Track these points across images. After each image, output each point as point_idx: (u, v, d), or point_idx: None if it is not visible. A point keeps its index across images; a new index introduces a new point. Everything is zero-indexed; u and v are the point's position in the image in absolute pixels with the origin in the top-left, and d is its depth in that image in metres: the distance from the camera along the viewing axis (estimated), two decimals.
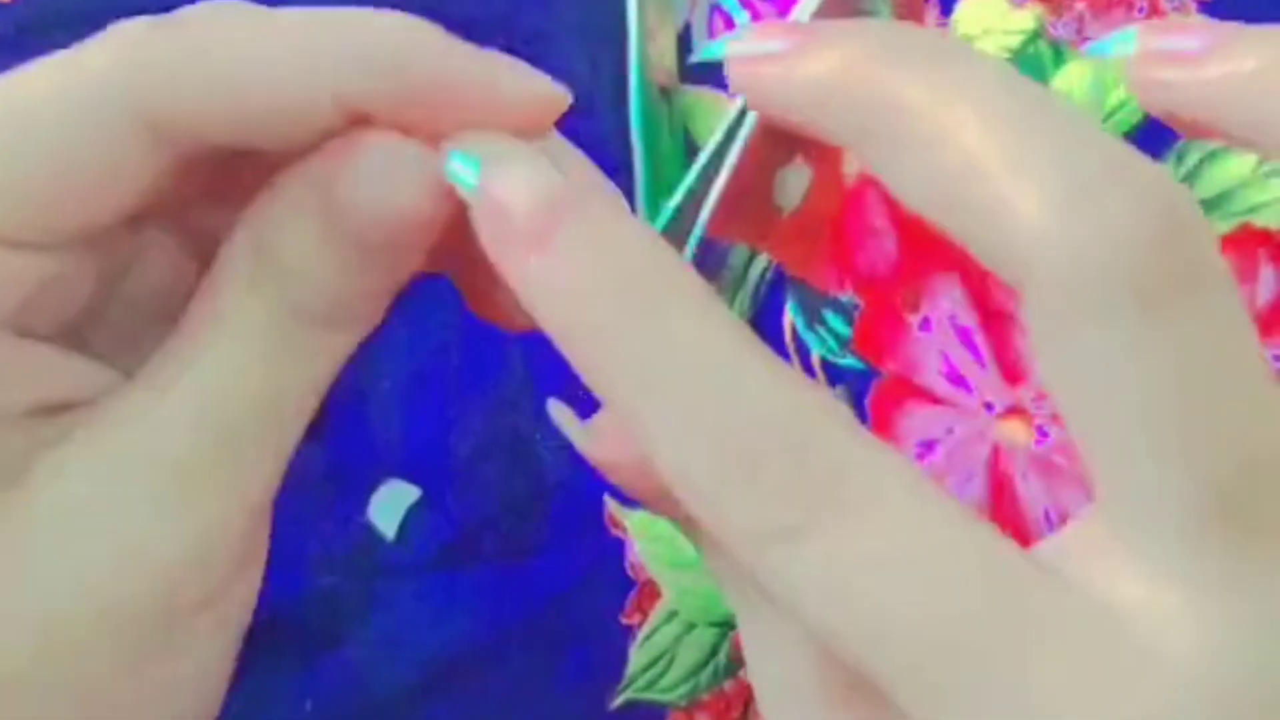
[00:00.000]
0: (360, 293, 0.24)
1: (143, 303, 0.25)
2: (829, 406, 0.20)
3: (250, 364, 0.23)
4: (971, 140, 0.20)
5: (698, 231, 0.28)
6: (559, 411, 0.23)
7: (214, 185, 0.24)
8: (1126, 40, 0.25)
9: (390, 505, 0.32)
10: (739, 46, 0.22)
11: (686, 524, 0.23)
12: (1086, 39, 0.36)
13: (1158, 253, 0.19)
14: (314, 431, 0.31)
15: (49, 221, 0.23)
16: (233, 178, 0.24)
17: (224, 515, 0.23)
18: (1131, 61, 0.24)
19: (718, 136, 0.27)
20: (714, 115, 0.36)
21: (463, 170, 0.22)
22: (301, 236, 0.23)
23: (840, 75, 0.21)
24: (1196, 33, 0.24)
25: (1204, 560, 0.19)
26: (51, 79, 0.22)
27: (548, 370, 0.26)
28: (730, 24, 0.33)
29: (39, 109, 0.22)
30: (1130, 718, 0.19)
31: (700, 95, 0.36)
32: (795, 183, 0.29)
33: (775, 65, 0.22)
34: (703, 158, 0.28)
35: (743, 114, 0.27)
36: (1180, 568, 0.20)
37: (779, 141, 0.27)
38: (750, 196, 0.27)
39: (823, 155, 0.30)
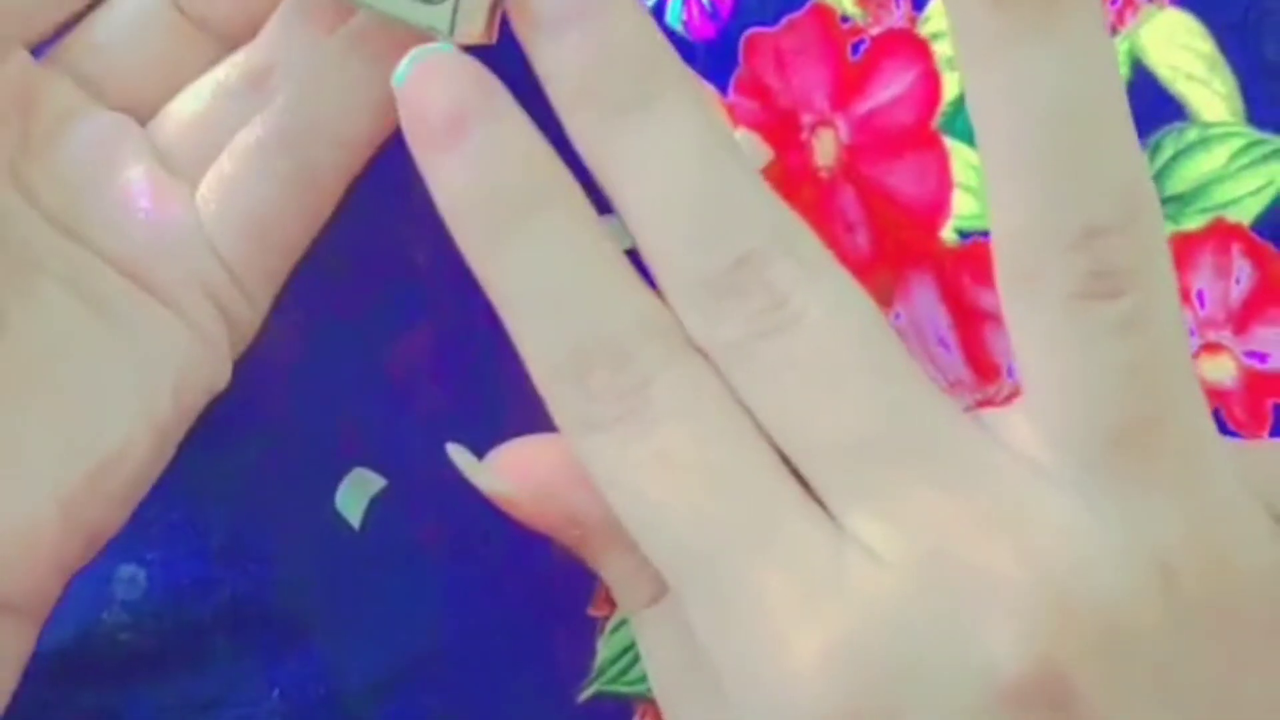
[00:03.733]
0: None
1: None
2: (669, 328, 0.25)
3: None
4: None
5: None
6: (458, 454, 0.27)
7: None
8: None
9: (355, 494, 0.32)
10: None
11: (583, 548, 0.26)
12: None
13: None
14: (283, 420, 0.31)
15: None
16: None
17: None
18: None
19: None
20: None
21: (401, 66, 0.25)
22: None
23: None
24: None
25: None
26: None
27: (511, 354, 0.26)
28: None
29: None
30: (841, 631, 0.22)
31: None
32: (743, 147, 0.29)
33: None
34: None
35: None
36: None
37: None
38: None
39: (787, 145, 0.30)
